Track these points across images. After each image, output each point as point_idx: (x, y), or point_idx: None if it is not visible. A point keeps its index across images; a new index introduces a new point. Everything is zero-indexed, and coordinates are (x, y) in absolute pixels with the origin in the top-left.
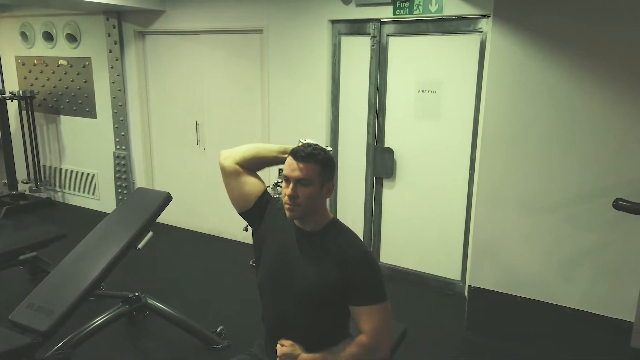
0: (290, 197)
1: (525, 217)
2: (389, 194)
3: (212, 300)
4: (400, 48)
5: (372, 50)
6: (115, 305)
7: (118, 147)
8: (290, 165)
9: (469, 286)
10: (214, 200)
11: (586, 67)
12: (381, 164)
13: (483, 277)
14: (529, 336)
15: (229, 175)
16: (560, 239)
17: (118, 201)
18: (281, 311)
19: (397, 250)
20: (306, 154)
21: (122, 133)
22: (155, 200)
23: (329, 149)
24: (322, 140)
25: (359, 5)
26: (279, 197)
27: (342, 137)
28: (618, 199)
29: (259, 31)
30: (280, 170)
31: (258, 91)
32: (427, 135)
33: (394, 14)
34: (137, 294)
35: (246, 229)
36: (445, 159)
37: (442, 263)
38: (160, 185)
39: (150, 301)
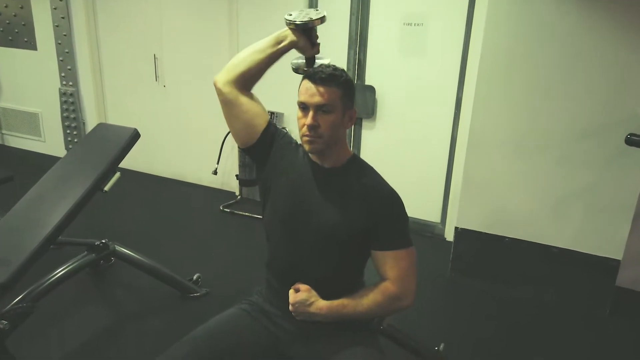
0: (311, 127)
1: (518, 157)
2: (368, 134)
3: (183, 248)
4: None
5: None
6: (80, 254)
7: (64, 82)
8: (308, 90)
9: (456, 228)
10: (177, 142)
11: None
12: (362, 103)
13: (471, 219)
14: (515, 276)
15: (228, 103)
16: (553, 179)
17: (67, 143)
18: (296, 255)
19: None
20: (326, 75)
21: (69, 67)
22: (121, 137)
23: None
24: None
25: None
26: (285, 131)
27: None
28: (631, 134)
29: None
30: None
31: (225, 22)
32: (412, 72)
33: None
34: (103, 241)
35: (215, 173)
36: (430, 98)
37: (422, 205)
38: None
39: (118, 248)
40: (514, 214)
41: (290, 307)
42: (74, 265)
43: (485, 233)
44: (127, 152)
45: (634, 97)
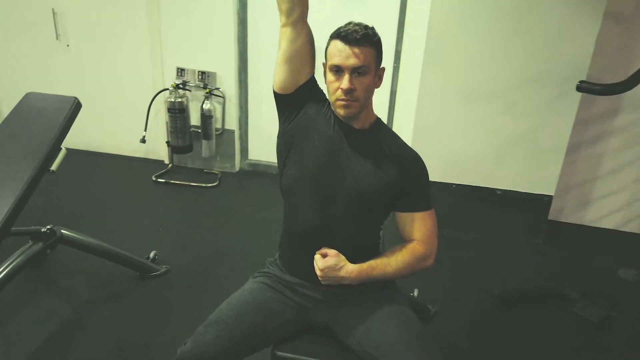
0: (348, 91)
1: (465, 107)
2: None
3: (125, 226)
4: None
5: None
6: (24, 245)
7: None
8: (342, 52)
9: None
10: (87, 109)
11: None
12: None
13: None
14: (461, 220)
15: (290, 37)
16: (497, 126)
17: None
18: (324, 215)
19: None
20: (361, 35)
21: None
22: (60, 107)
23: None
24: (230, 32)
25: None
26: (322, 91)
27: (252, 29)
28: (581, 81)
29: None
30: None
31: None
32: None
33: None
34: (49, 227)
35: (143, 140)
36: None
37: None
38: (7, 96)
39: (66, 233)
40: (462, 161)
41: (319, 273)
42: (20, 258)
43: (435, 182)
44: (71, 125)
45: (568, 48)
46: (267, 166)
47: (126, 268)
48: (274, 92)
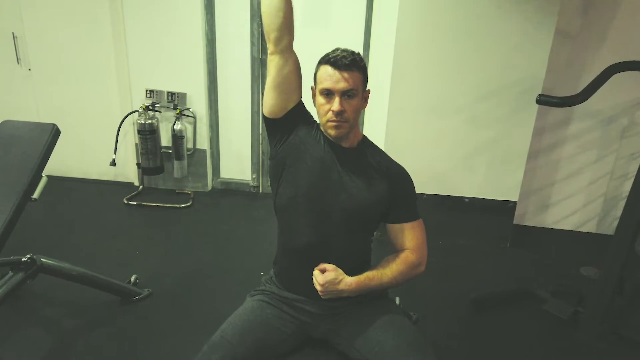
0: (338, 112)
1: (433, 120)
2: None
3: (103, 250)
4: None
5: None
6: (5, 276)
7: None
8: (332, 76)
9: None
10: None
11: None
12: None
13: None
14: (432, 228)
15: (278, 65)
16: (463, 137)
17: None
18: (321, 232)
19: None
20: (350, 61)
21: None
22: (39, 135)
23: None
24: (199, 53)
25: None
26: (310, 114)
27: (221, 50)
28: (541, 95)
29: None
30: None
31: None
32: (317, 43)
33: None
34: (29, 256)
35: (113, 164)
36: None
37: None
38: None
39: (46, 262)
40: (432, 172)
41: (320, 288)
42: (2, 289)
43: None
44: (51, 153)
45: (524, 63)
46: (239, 184)
47: (107, 293)
48: (264, 117)
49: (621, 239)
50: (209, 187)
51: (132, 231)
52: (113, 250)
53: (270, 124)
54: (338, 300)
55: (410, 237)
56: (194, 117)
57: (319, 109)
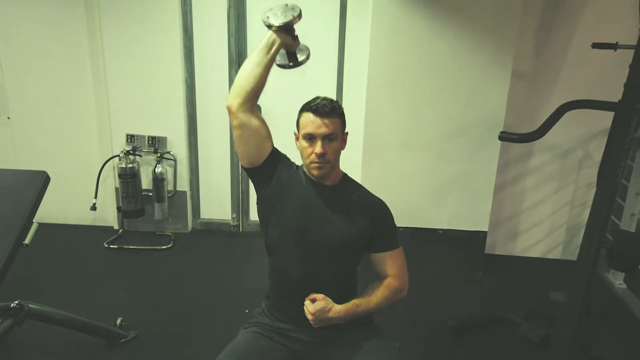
0: (320, 155)
1: (405, 156)
2: None
3: (85, 295)
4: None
5: (229, 0)
6: None
7: None
8: (314, 122)
9: None
10: None
11: (448, 20)
12: None
13: None
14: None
15: (242, 125)
16: (434, 172)
17: None
18: (311, 265)
19: None
20: (329, 109)
21: None
22: (30, 182)
23: None
24: (179, 98)
25: None
26: (286, 156)
27: (200, 95)
28: (503, 132)
29: None
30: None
31: (85, 42)
32: (293, 90)
33: None
34: (17, 302)
35: (94, 208)
36: None
37: None
38: None
39: (33, 307)
40: (406, 206)
41: (311, 317)
42: None
43: None
44: (41, 199)
45: (485, 103)
46: (219, 224)
47: (93, 337)
48: (245, 168)
49: (583, 264)
50: (189, 228)
51: (114, 274)
52: (97, 294)
53: (252, 172)
54: (328, 328)
55: (392, 264)
56: (175, 160)
57: (302, 152)
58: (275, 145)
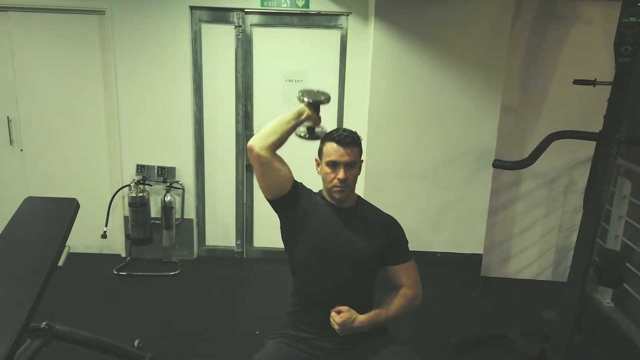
0: (343, 180)
1: (404, 183)
2: None
3: (103, 318)
4: (265, 38)
5: (237, 39)
6: (23, 343)
7: None
8: (337, 151)
9: None
10: None
11: (442, 59)
12: None
13: None
14: None
15: (264, 165)
16: (431, 198)
17: None
18: (334, 281)
19: (270, 232)
20: (350, 139)
21: None
22: (62, 209)
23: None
24: (188, 131)
25: None
26: (304, 185)
27: (208, 127)
28: (496, 160)
29: (100, 12)
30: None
31: (100, 80)
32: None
33: (262, 5)
34: (45, 323)
35: (104, 236)
36: (316, 144)
37: None
38: None
39: (59, 328)
40: (404, 230)
41: (337, 327)
42: (23, 356)
43: None
44: (73, 224)
45: (478, 134)
46: (224, 250)
47: (112, 357)
48: (270, 201)
49: (573, 282)
50: (195, 255)
51: (125, 299)
52: (109, 317)
53: (277, 203)
54: (349, 336)
55: (406, 275)
56: (183, 189)
57: (325, 177)
58: (294, 178)
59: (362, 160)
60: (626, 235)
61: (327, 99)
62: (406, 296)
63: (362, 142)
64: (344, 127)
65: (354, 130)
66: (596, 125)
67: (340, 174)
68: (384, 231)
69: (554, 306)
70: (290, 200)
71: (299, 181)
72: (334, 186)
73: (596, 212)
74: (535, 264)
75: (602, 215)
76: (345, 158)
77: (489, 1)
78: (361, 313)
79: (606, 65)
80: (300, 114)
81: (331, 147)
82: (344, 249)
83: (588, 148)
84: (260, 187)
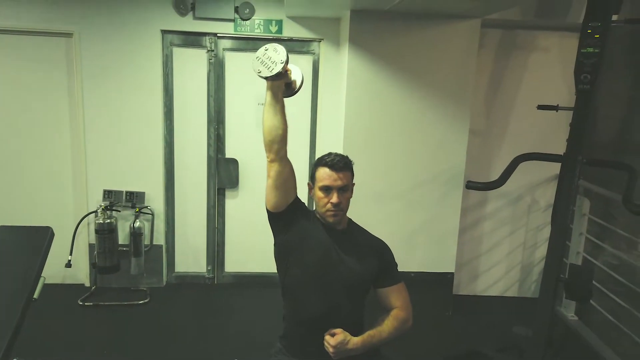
0: (336, 204)
1: (378, 206)
2: (232, 203)
3: (71, 354)
4: (238, 62)
5: (209, 63)
6: None
7: None
8: (331, 176)
9: None
10: None
11: (417, 86)
12: (226, 175)
13: None
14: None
15: (277, 172)
16: (404, 219)
17: None
18: (328, 302)
19: (242, 256)
20: (343, 164)
21: None
22: (36, 238)
23: None
24: (158, 154)
25: (197, 18)
26: (303, 202)
27: (178, 151)
28: (469, 181)
29: (67, 34)
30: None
31: (66, 103)
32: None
33: (235, 30)
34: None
35: (69, 265)
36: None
37: None
38: None
39: None
40: None
41: (332, 350)
42: None
43: None
44: (48, 254)
45: (447, 157)
46: (195, 276)
47: None
48: (269, 212)
49: (545, 298)
50: (164, 282)
51: (92, 332)
52: (77, 350)
53: (275, 216)
54: (344, 359)
55: (397, 297)
56: (152, 215)
57: (318, 201)
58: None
59: (354, 184)
60: (586, 250)
61: (286, 60)
62: (398, 318)
63: (352, 167)
64: (330, 151)
65: (345, 155)
66: (554, 147)
67: (334, 198)
68: (376, 254)
69: (522, 321)
70: (288, 215)
71: (300, 199)
72: (327, 210)
73: (563, 230)
74: (502, 281)
75: (569, 232)
76: (338, 182)
77: (457, 31)
78: (354, 335)
79: (564, 90)
80: (274, 91)
81: (324, 172)
82: (338, 272)
83: (549, 169)
84: (266, 196)
